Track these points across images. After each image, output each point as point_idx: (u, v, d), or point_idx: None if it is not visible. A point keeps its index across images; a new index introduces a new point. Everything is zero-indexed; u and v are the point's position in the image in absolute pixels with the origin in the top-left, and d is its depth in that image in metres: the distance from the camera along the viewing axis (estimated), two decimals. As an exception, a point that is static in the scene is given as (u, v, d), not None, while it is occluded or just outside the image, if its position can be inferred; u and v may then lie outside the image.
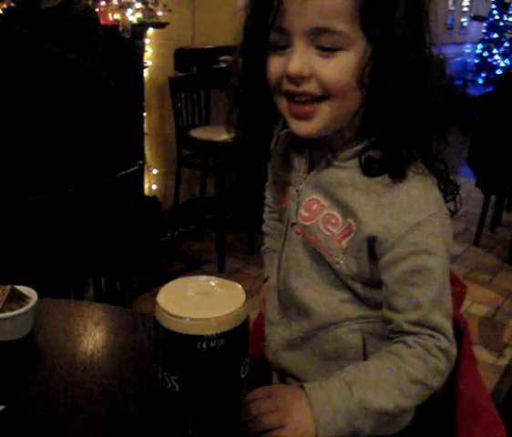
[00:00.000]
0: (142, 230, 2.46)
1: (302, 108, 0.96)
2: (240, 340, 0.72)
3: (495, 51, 8.88)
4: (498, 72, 8.66)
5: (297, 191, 1.09)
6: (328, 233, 1.01)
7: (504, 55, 8.86)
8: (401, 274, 0.95)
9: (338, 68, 0.91)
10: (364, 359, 1.03)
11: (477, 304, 3.55)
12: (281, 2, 0.91)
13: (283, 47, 0.95)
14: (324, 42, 0.90)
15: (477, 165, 4.21)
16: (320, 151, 1.05)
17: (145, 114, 3.84)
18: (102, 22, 3.24)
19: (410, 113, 0.93)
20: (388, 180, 0.96)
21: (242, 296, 0.73)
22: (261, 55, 0.98)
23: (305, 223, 1.05)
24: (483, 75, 8.99)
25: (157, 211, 3.79)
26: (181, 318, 0.69)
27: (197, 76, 4.25)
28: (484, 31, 9.15)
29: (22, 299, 1.15)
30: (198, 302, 0.72)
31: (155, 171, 4.12)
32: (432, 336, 0.95)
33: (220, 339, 0.68)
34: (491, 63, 8.89)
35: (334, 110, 0.95)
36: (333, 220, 1.01)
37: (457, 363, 1.04)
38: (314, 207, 1.04)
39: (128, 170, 1.71)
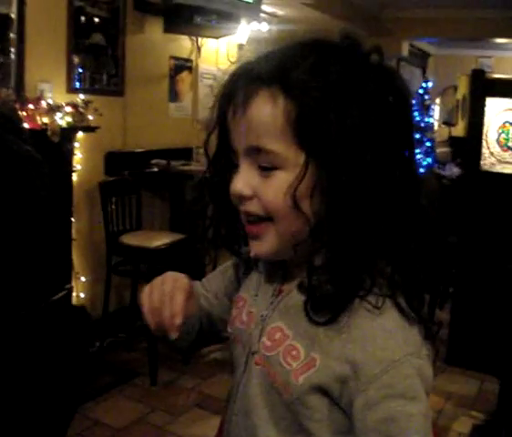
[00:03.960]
0: (69, 349, 2.28)
1: (251, 228, 0.92)
2: None
3: (417, 150, 9.23)
4: (421, 170, 8.98)
5: (262, 316, 0.97)
6: (287, 367, 0.89)
7: (426, 154, 9.22)
8: (375, 423, 0.82)
9: (274, 189, 0.86)
10: None
11: (419, 410, 3.46)
12: (230, 123, 0.90)
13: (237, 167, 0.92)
14: (262, 161, 0.86)
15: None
16: (292, 276, 0.95)
17: (73, 219, 3.69)
18: (30, 126, 3.13)
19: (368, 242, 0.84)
20: (362, 312, 0.85)
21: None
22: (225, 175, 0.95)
23: (266, 353, 0.93)
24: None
25: (85, 323, 3.57)
26: None
27: (128, 180, 4.15)
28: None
29: None
30: None
31: (83, 278, 3.93)
32: None
33: None
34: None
35: (280, 233, 0.89)
36: (294, 353, 0.89)
37: None
38: (277, 336, 0.92)
39: (54, 297, 1.55)
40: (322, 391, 0.86)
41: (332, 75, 0.83)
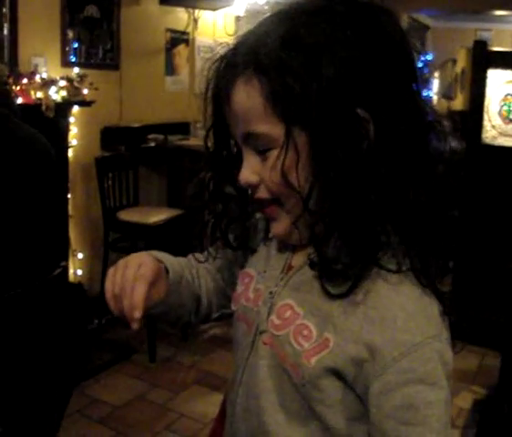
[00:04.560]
0: (66, 326, 2.25)
1: (265, 210, 0.91)
2: None
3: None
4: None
5: (270, 293, 0.92)
6: (298, 347, 0.85)
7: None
8: (392, 409, 0.79)
9: (272, 170, 0.84)
10: None
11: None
12: (227, 116, 0.89)
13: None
14: (258, 146, 0.86)
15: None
16: (302, 252, 0.91)
17: (70, 195, 3.65)
18: (24, 101, 3.07)
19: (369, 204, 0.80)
20: (380, 286, 0.81)
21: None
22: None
23: (275, 332, 0.89)
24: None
25: (82, 300, 3.54)
26: None
27: (124, 156, 4.09)
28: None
29: None
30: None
31: (80, 255, 3.89)
32: None
33: None
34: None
35: (291, 212, 0.86)
36: (306, 332, 0.85)
37: None
38: (287, 314, 0.88)
39: (50, 275, 1.51)
40: (335, 373, 0.82)
41: (308, 38, 0.80)
